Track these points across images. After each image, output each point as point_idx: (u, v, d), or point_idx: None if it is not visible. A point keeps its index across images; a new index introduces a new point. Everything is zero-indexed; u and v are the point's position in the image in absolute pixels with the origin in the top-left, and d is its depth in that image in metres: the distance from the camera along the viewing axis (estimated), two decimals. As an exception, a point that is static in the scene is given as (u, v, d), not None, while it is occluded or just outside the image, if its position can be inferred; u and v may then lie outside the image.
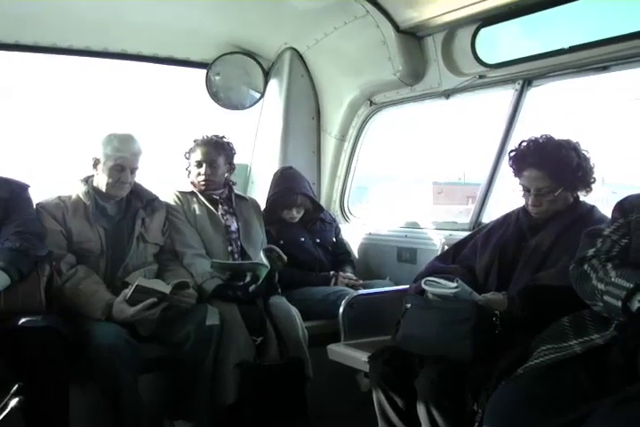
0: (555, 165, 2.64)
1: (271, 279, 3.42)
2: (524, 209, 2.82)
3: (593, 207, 2.76)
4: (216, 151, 3.67)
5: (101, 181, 3.23)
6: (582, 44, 3.08)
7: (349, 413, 3.37)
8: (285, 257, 3.52)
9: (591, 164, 2.72)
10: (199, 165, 3.66)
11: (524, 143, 2.76)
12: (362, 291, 3.49)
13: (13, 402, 1.86)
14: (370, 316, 3.36)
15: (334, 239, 4.22)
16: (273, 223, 3.96)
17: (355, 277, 3.91)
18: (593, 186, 2.76)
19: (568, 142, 2.71)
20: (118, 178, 3.21)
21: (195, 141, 3.73)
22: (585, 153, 2.71)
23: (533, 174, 2.68)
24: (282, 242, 3.86)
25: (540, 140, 2.72)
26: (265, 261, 3.34)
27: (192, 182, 3.71)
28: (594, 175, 2.74)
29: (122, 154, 3.20)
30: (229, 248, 3.59)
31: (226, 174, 3.75)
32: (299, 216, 4.01)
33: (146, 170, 3.35)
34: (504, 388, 2.04)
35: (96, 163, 3.23)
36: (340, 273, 3.88)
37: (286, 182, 4.01)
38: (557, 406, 1.88)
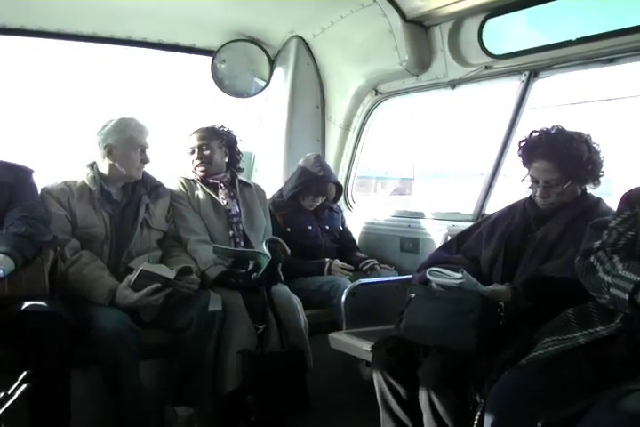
0: (565, 158, 2.62)
1: (274, 269, 3.43)
2: (530, 200, 2.80)
3: (599, 200, 2.74)
4: (208, 136, 3.70)
5: (123, 165, 3.25)
6: (589, 36, 3.06)
7: (350, 402, 3.39)
8: (289, 250, 3.53)
9: (601, 157, 2.70)
10: (193, 151, 3.70)
11: (535, 134, 2.73)
12: (364, 280, 3.49)
13: (21, 389, 1.87)
14: (371, 305, 3.37)
15: (341, 228, 4.25)
16: (280, 210, 3.97)
17: (348, 265, 3.91)
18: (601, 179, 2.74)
19: (580, 135, 2.68)
20: (141, 159, 3.27)
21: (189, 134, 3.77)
22: (596, 146, 2.69)
23: (543, 166, 2.66)
24: (289, 229, 3.90)
25: (552, 132, 2.69)
26: (266, 251, 3.35)
27: (192, 171, 3.72)
28: (603, 169, 2.72)
29: (143, 135, 3.28)
30: (231, 232, 3.60)
31: (225, 160, 3.76)
32: (318, 204, 4.05)
33: (152, 157, 3.36)
34: (507, 378, 2.05)
35: (110, 150, 3.24)
36: (335, 260, 3.87)
37: (322, 171, 4.00)
38: (560, 397, 1.89)
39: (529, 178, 2.74)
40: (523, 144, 2.77)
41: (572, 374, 1.95)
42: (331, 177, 4.08)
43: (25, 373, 1.90)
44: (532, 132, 2.76)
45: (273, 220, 3.88)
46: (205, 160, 3.66)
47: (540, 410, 1.86)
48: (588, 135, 2.70)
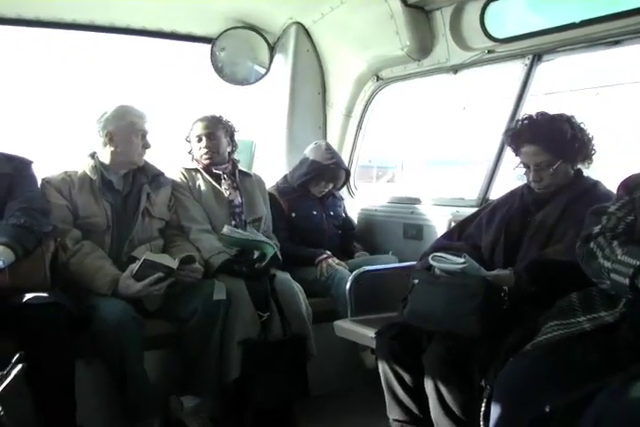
0: (549, 139, 2.65)
1: (274, 254, 3.44)
2: (527, 185, 2.82)
3: (597, 182, 2.75)
4: (214, 124, 3.68)
5: (125, 151, 3.24)
6: (593, 19, 3.02)
7: (355, 389, 3.40)
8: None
9: (589, 135, 2.72)
10: (199, 139, 3.67)
11: (519, 121, 2.78)
12: (368, 267, 3.48)
13: (16, 370, 1.86)
14: (376, 292, 3.37)
15: (343, 215, 4.27)
16: (285, 195, 3.99)
17: (337, 261, 3.81)
18: (594, 157, 2.76)
19: (560, 115, 2.71)
20: (142, 144, 3.27)
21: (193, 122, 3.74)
22: (580, 125, 2.71)
23: (531, 150, 2.69)
24: (294, 215, 3.93)
25: (534, 117, 2.73)
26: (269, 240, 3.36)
27: (196, 159, 3.71)
28: (593, 147, 2.74)
29: (143, 120, 3.28)
30: (232, 222, 3.58)
31: (228, 150, 3.74)
32: (326, 191, 4.08)
33: (153, 146, 3.34)
34: (512, 364, 2.04)
35: (111, 137, 3.22)
36: (327, 260, 3.78)
37: (335, 157, 4.03)
38: (566, 382, 1.88)
39: (521, 165, 2.77)
40: (510, 133, 2.82)
41: (578, 359, 1.93)
42: (342, 164, 4.10)
43: (18, 354, 1.89)
44: (516, 121, 2.83)
45: (277, 206, 3.89)
46: (213, 149, 3.64)
47: (546, 395, 1.86)
48: (572, 115, 2.73)
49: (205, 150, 3.64)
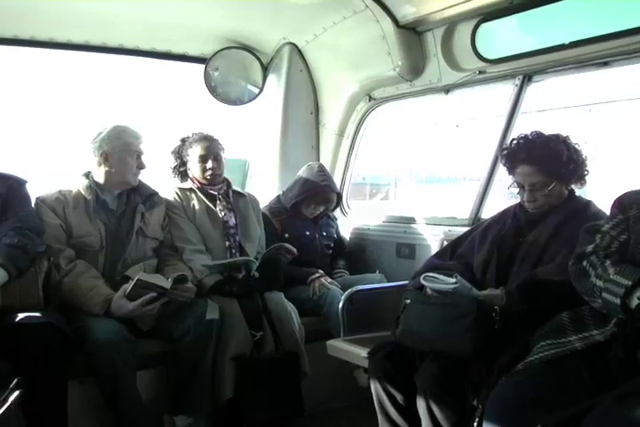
0: (545, 160, 2.66)
1: (277, 273, 3.49)
2: (520, 205, 2.83)
3: (589, 202, 2.77)
4: (217, 145, 3.68)
5: (120, 171, 3.25)
6: (583, 40, 3.06)
7: (347, 409, 3.39)
8: (295, 249, 3.55)
9: (583, 156, 2.74)
10: (203, 159, 3.64)
11: (515, 141, 2.79)
12: (360, 286, 3.49)
13: (13, 396, 1.86)
14: (369, 311, 3.37)
15: (336, 236, 4.27)
16: (278, 216, 4.00)
17: (329, 280, 3.84)
18: (587, 178, 2.78)
19: (557, 136, 2.73)
20: (137, 165, 3.28)
21: (187, 139, 3.74)
22: (575, 146, 2.73)
23: (525, 170, 2.70)
24: (286, 235, 3.93)
25: (530, 137, 2.75)
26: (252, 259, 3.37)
27: (193, 178, 3.70)
28: (587, 168, 2.75)
29: (139, 141, 3.30)
30: (227, 243, 3.58)
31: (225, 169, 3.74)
32: (318, 213, 4.09)
33: (147, 165, 3.35)
34: (504, 383, 2.05)
35: (106, 157, 3.23)
36: (320, 280, 3.79)
37: (327, 180, 4.04)
38: (558, 401, 1.89)
39: (515, 185, 2.78)
40: (505, 152, 2.82)
41: (569, 378, 1.94)
42: (334, 187, 4.11)
43: (16, 380, 1.89)
44: (511, 140, 2.83)
45: (269, 226, 3.89)
46: (217, 170, 3.64)
47: (538, 414, 1.85)
48: (567, 136, 2.74)
49: (210, 171, 3.62)
